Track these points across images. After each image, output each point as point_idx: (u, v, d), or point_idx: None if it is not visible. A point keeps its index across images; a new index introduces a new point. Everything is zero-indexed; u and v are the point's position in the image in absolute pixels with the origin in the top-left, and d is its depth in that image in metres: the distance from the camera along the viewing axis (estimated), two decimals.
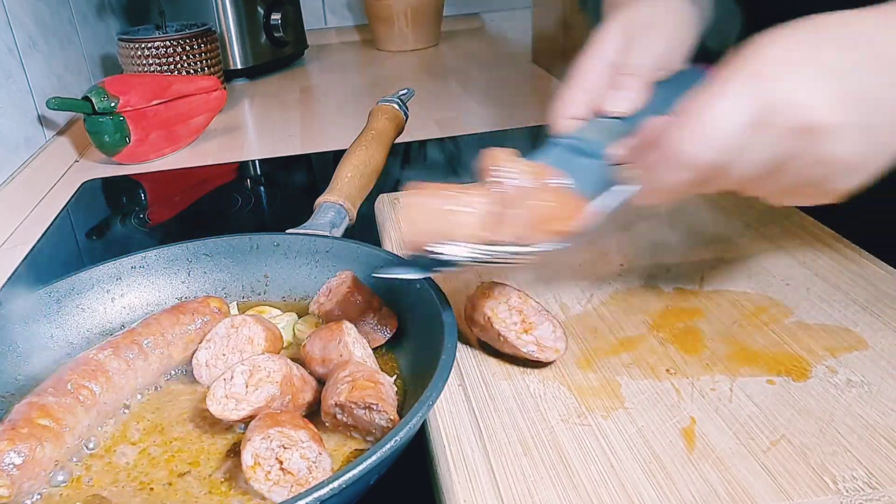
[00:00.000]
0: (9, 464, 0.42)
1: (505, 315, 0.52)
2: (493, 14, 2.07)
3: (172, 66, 1.30)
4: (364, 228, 0.73)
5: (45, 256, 0.85)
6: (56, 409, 0.46)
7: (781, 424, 0.45)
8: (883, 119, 0.40)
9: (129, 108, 1.07)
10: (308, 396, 0.49)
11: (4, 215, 0.94)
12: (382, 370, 0.53)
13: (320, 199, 0.71)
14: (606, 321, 0.57)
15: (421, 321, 0.52)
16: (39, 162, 1.09)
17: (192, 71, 1.32)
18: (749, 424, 0.45)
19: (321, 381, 0.50)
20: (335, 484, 0.36)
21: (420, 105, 1.23)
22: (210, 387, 0.47)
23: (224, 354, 0.52)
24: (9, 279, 0.78)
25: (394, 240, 0.71)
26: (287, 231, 0.65)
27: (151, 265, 0.61)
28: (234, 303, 0.62)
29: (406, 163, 1.09)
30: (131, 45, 1.29)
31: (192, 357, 0.53)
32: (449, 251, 0.45)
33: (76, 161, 1.17)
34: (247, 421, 0.46)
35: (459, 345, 0.52)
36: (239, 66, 1.57)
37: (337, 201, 0.70)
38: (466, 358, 0.53)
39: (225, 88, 1.22)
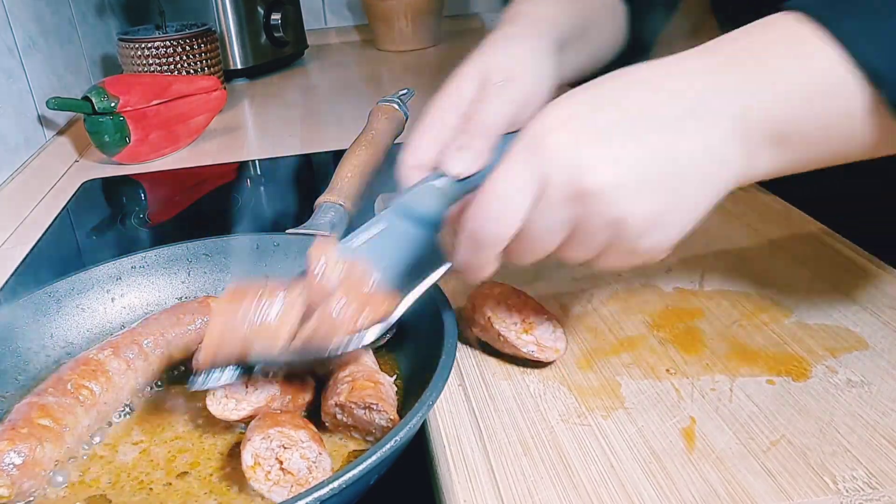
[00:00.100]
0: (9, 464, 0.42)
1: (505, 315, 0.52)
2: (494, 14, 2.07)
3: (172, 66, 1.30)
4: None
5: (45, 256, 0.85)
6: (56, 409, 0.46)
7: (781, 424, 0.45)
8: (663, 173, 0.40)
9: (129, 108, 1.07)
10: (308, 396, 0.49)
11: (4, 215, 0.94)
12: (382, 370, 0.53)
13: (320, 200, 0.71)
14: (606, 321, 0.57)
15: (421, 321, 0.52)
16: (39, 162, 1.09)
17: (192, 71, 1.32)
18: (749, 424, 0.45)
19: (321, 381, 0.50)
20: (335, 484, 0.36)
21: (420, 105, 1.22)
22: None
23: None
24: (9, 279, 0.78)
25: None
26: (287, 231, 0.65)
27: (151, 265, 0.61)
28: None
29: None
30: (131, 45, 1.29)
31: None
32: (256, 357, 0.45)
33: (76, 161, 1.17)
34: (247, 421, 0.46)
35: (459, 345, 0.52)
36: (239, 66, 1.57)
37: (337, 201, 0.70)
38: (466, 358, 0.53)
39: (225, 88, 1.22)
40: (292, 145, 1.18)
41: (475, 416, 0.47)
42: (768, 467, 0.42)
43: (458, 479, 0.42)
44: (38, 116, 1.13)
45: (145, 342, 0.53)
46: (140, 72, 1.30)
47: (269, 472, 0.41)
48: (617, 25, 0.75)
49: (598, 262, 0.44)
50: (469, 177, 0.52)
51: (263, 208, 0.99)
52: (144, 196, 1.05)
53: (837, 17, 0.40)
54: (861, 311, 0.55)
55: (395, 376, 0.52)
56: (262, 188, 1.07)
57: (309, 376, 0.50)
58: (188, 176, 1.09)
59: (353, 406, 0.44)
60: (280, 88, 1.55)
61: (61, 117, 1.20)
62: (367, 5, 1.78)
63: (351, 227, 0.70)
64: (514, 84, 0.55)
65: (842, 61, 0.39)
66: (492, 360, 0.53)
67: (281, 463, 0.41)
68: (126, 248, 0.64)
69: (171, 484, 0.44)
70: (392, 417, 0.44)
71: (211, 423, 0.48)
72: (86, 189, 1.05)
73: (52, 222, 0.94)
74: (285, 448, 0.41)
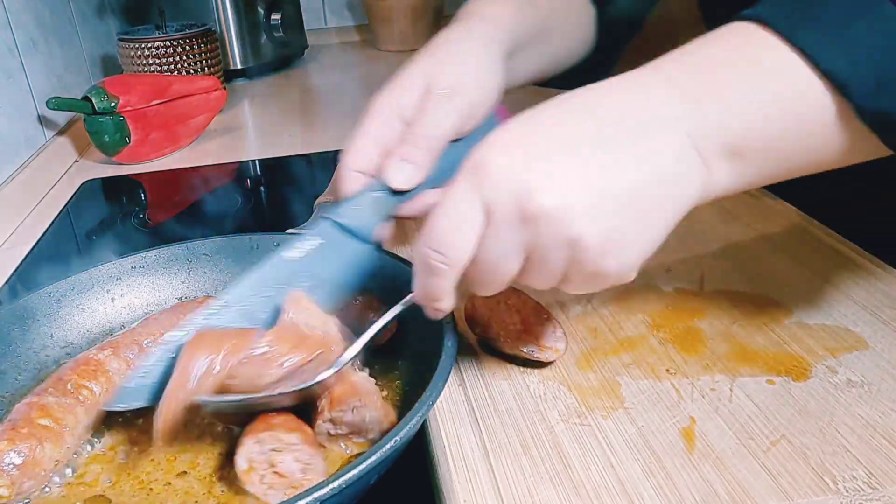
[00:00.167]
0: (9, 464, 0.42)
1: (505, 315, 0.52)
2: None
3: (172, 66, 1.30)
4: None
5: (45, 256, 0.85)
6: (56, 409, 0.46)
7: (781, 424, 0.45)
8: (614, 191, 0.38)
9: (129, 108, 1.07)
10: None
11: (4, 215, 0.94)
12: (382, 370, 0.53)
13: (320, 199, 0.71)
14: (606, 321, 0.57)
15: (421, 321, 0.52)
16: (39, 162, 1.09)
17: (192, 71, 1.32)
18: (749, 424, 0.45)
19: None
20: (335, 484, 0.36)
21: None
22: None
23: None
24: (9, 279, 0.78)
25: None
26: (287, 231, 0.65)
27: (151, 265, 0.61)
28: None
29: None
30: (131, 45, 1.29)
31: None
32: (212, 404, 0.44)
33: (76, 161, 1.17)
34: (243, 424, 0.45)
35: (459, 345, 0.52)
36: (239, 66, 1.57)
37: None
38: (466, 358, 0.53)
39: (225, 88, 1.22)
40: (292, 145, 1.18)
41: (475, 416, 0.47)
42: (768, 467, 0.42)
43: (458, 479, 0.42)
44: (38, 116, 1.13)
45: (145, 342, 0.53)
46: (140, 72, 1.30)
47: (264, 476, 0.41)
48: (583, 27, 0.73)
49: (565, 287, 0.42)
50: (410, 190, 0.52)
51: (263, 208, 0.99)
52: (144, 196, 1.05)
53: (797, 27, 0.39)
54: (861, 311, 0.55)
55: (395, 376, 0.52)
56: (261, 188, 1.07)
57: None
58: (188, 176, 1.09)
59: (339, 415, 0.44)
60: (280, 88, 1.55)
61: (61, 117, 1.20)
62: (367, 5, 1.78)
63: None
64: (459, 94, 0.54)
65: (804, 72, 0.38)
66: (492, 360, 0.53)
67: (274, 466, 0.41)
68: (126, 248, 0.63)
69: (170, 484, 0.44)
70: (378, 406, 0.44)
71: (210, 424, 0.48)
72: (86, 189, 1.05)
73: (52, 222, 0.94)
74: (277, 451, 0.41)
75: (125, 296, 0.60)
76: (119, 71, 1.38)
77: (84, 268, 0.59)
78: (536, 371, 0.51)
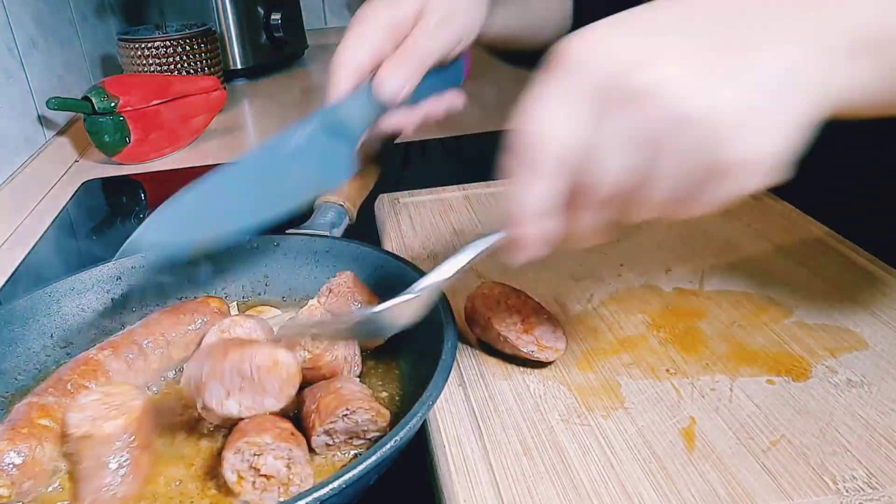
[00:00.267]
0: (9, 464, 0.42)
1: (505, 315, 0.52)
2: None
3: (172, 66, 1.30)
4: (364, 228, 0.73)
5: (45, 256, 0.85)
6: (56, 409, 0.46)
7: (781, 424, 0.45)
8: (734, 66, 0.33)
9: (129, 108, 1.07)
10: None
11: (4, 215, 0.94)
12: (382, 370, 0.53)
13: (320, 199, 0.71)
14: (606, 321, 0.57)
15: (421, 321, 0.52)
16: (39, 162, 1.09)
17: (192, 71, 1.32)
18: (749, 424, 0.45)
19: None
20: (335, 484, 0.36)
21: None
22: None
23: None
24: (9, 279, 0.78)
25: (393, 240, 0.71)
26: (287, 231, 0.65)
27: (152, 265, 0.61)
28: (234, 303, 0.62)
29: (406, 163, 1.09)
30: (131, 45, 1.29)
31: (191, 357, 0.53)
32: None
33: (76, 161, 1.17)
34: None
35: (459, 345, 0.52)
36: (239, 66, 1.57)
37: (337, 201, 0.70)
38: (466, 358, 0.53)
39: (225, 88, 1.22)
40: None
41: (475, 416, 0.47)
42: (768, 467, 0.42)
43: (458, 479, 0.42)
44: (38, 116, 1.13)
45: (145, 342, 0.53)
46: (140, 72, 1.30)
47: (254, 482, 0.41)
48: (563, 9, 0.76)
49: (682, 205, 0.36)
50: (394, 101, 0.55)
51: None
52: (144, 196, 1.05)
53: None
54: (861, 311, 0.55)
55: (395, 376, 0.52)
56: None
57: None
58: (188, 176, 1.08)
59: (332, 426, 0.44)
60: (280, 88, 1.55)
61: (61, 117, 1.20)
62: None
63: (351, 227, 0.70)
64: (453, 18, 0.57)
65: None
66: (492, 360, 0.53)
67: (259, 470, 0.41)
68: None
69: (168, 484, 0.44)
70: (370, 406, 0.44)
71: (208, 424, 0.48)
72: (86, 189, 1.05)
73: (52, 222, 0.94)
74: (257, 455, 0.41)
75: (125, 296, 0.60)
76: (119, 71, 1.38)
77: (84, 268, 0.59)
78: (536, 371, 0.51)
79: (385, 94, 0.55)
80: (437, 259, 0.67)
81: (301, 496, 0.35)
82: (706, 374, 0.50)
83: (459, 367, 0.52)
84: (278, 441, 0.41)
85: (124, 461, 0.43)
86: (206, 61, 1.34)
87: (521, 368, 0.52)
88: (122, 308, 0.60)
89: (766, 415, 0.46)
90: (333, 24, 1.97)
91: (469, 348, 0.54)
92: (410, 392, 0.50)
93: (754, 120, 0.33)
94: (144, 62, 1.29)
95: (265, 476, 0.41)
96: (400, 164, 1.07)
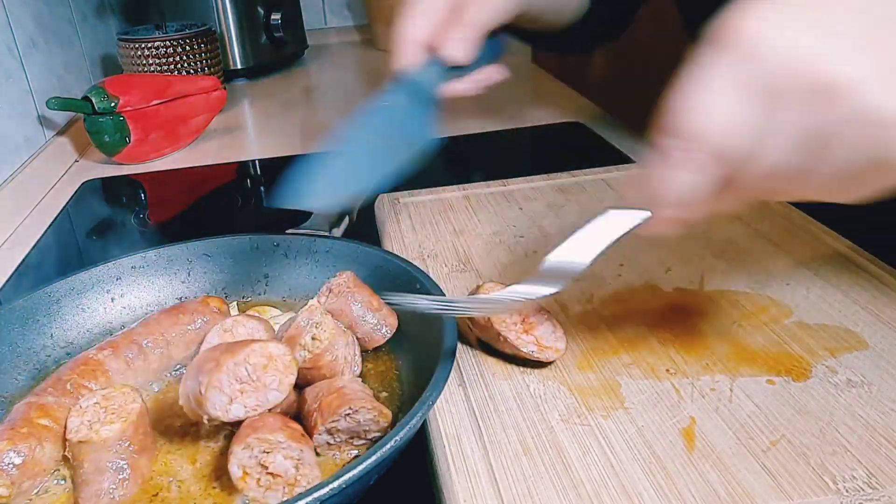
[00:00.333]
0: (9, 464, 0.42)
1: (505, 315, 0.52)
2: None
3: (172, 66, 1.30)
4: (364, 228, 0.73)
5: (45, 256, 0.85)
6: (56, 409, 0.46)
7: (781, 424, 0.45)
8: None
9: (129, 108, 1.07)
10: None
11: (4, 215, 0.94)
12: (382, 370, 0.53)
13: None
14: (606, 321, 0.57)
15: (421, 321, 0.52)
16: (39, 162, 1.09)
17: (192, 71, 1.32)
18: (749, 424, 0.45)
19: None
20: (335, 484, 0.36)
21: None
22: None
23: None
24: (9, 279, 0.78)
25: (393, 240, 0.71)
26: (287, 231, 0.65)
27: (151, 265, 0.61)
28: (234, 303, 0.62)
29: None
30: (131, 45, 1.29)
31: (191, 357, 0.53)
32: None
33: (76, 161, 1.17)
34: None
35: (459, 345, 0.52)
36: (239, 66, 1.57)
37: None
38: (466, 358, 0.53)
39: (225, 88, 1.22)
40: (292, 145, 1.18)
41: (475, 416, 0.47)
42: (768, 467, 0.42)
43: (458, 479, 0.42)
44: (38, 116, 1.13)
45: (145, 342, 0.53)
46: (140, 72, 1.30)
47: (259, 479, 0.41)
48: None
49: (850, 188, 0.35)
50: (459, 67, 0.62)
51: (263, 208, 0.99)
52: (144, 196, 1.05)
53: None
54: (861, 311, 0.55)
55: (395, 376, 0.52)
56: (261, 188, 1.07)
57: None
58: (188, 176, 1.09)
59: (334, 425, 0.44)
60: (280, 88, 1.55)
61: (61, 117, 1.20)
62: (367, 5, 1.78)
63: (351, 227, 0.70)
64: None
65: None
66: (492, 360, 0.53)
67: (266, 468, 0.41)
68: (126, 248, 0.63)
69: (169, 484, 0.44)
70: (370, 406, 0.44)
71: (209, 424, 0.48)
72: (86, 189, 1.05)
73: (52, 222, 0.94)
74: (267, 453, 0.41)
75: (125, 296, 0.60)
76: (119, 71, 1.38)
77: (84, 268, 0.59)
78: (536, 371, 0.51)
79: (454, 59, 0.61)
80: (437, 259, 0.67)
81: (301, 496, 0.35)
82: (706, 374, 0.50)
83: (459, 367, 0.52)
84: (290, 441, 0.41)
85: (123, 465, 0.43)
86: (206, 61, 1.34)
87: (521, 368, 0.52)
88: (122, 308, 0.60)
89: (766, 415, 0.46)
90: (333, 24, 1.97)
91: (469, 348, 0.54)
92: (410, 392, 0.50)
93: None
94: (144, 62, 1.29)
95: (271, 474, 0.41)
96: None
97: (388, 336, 0.55)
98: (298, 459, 0.41)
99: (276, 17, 1.57)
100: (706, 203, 0.37)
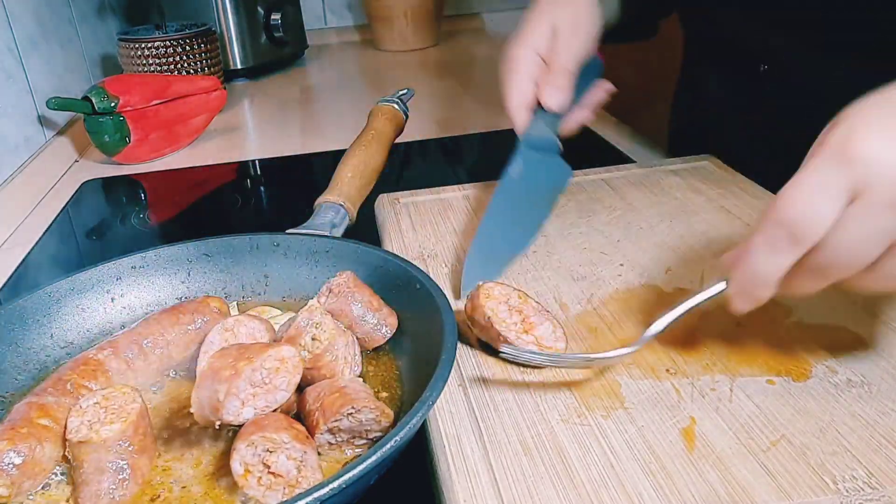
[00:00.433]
0: (9, 464, 0.42)
1: (505, 315, 0.52)
2: (493, 14, 2.07)
3: (172, 66, 1.30)
4: (364, 228, 0.73)
5: (45, 256, 0.85)
6: (56, 409, 0.46)
7: (781, 424, 0.45)
8: None
9: (129, 108, 1.07)
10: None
11: (4, 215, 0.94)
12: (382, 370, 0.53)
13: (320, 199, 0.71)
14: (606, 321, 0.57)
15: (421, 321, 0.52)
16: (39, 162, 1.09)
17: (192, 71, 1.32)
18: (749, 424, 0.45)
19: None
20: (335, 484, 0.36)
21: (420, 105, 1.23)
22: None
23: None
24: (9, 279, 0.78)
25: (393, 240, 0.71)
26: (287, 231, 0.65)
27: (151, 265, 0.61)
28: (234, 303, 0.62)
29: (406, 163, 1.09)
30: (131, 45, 1.29)
31: (191, 357, 0.53)
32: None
33: (76, 161, 1.17)
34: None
35: (459, 345, 0.52)
36: (239, 66, 1.57)
37: (337, 201, 0.70)
38: (466, 358, 0.53)
39: (225, 88, 1.22)
40: (292, 145, 1.18)
41: (475, 416, 0.47)
42: (768, 467, 0.42)
43: (458, 479, 0.42)
44: (38, 116, 1.13)
45: (145, 342, 0.53)
46: (140, 72, 1.30)
47: (261, 478, 0.41)
48: None
49: None
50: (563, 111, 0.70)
51: (263, 208, 0.99)
52: (144, 196, 1.05)
53: None
54: (861, 312, 0.55)
55: (395, 376, 0.52)
56: (261, 188, 1.07)
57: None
58: (188, 176, 1.09)
59: (336, 425, 0.44)
60: (280, 88, 1.55)
61: (61, 117, 1.20)
62: (367, 5, 1.78)
63: (351, 227, 0.70)
64: (581, 28, 0.70)
65: None
66: (492, 360, 0.53)
67: (269, 467, 0.41)
68: (126, 248, 0.63)
69: (170, 483, 0.44)
70: (374, 406, 0.44)
71: (208, 426, 0.48)
72: (86, 189, 1.05)
73: (52, 222, 0.94)
74: (270, 452, 0.41)
75: (125, 296, 0.60)
76: (119, 71, 1.38)
77: (84, 268, 0.59)
78: (536, 371, 0.51)
79: (554, 108, 0.69)
80: (437, 259, 0.67)
81: (301, 496, 0.35)
82: (706, 374, 0.50)
83: (459, 367, 0.52)
84: (295, 442, 0.42)
85: (123, 465, 0.43)
86: (206, 61, 1.34)
87: (521, 368, 0.52)
88: (122, 308, 0.60)
89: (766, 415, 0.46)
90: (333, 24, 1.98)
91: (469, 348, 0.54)
92: (410, 392, 0.50)
93: None
94: (144, 62, 1.29)
95: (273, 474, 0.41)
96: (400, 164, 1.07)
97: (388, 336, 0.55)
98: (301, 461, 0.41)
99: (276, 17, 1.58)
100: (782, 284, 0.44)
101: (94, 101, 1.05)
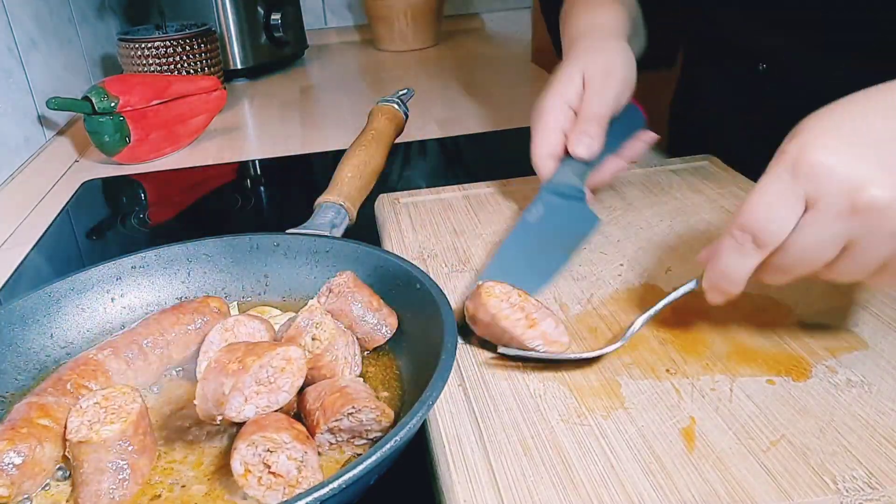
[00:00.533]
0: (9, 464, 0.42)
1: (509, 312, 0.52)
2: (493, 14, 2.07)
3: (172, 66, 1.30)
4: (364, 228, 0.73)
5: (45, 256, 0.85)
6: (56, 409, 0.46)
7: (781, 424, 0.45)
8: None
9: (129, 108, 1.07)
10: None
11: (4, 215, 0.94)
12: (382, 370, 0.53)
13: (320, 199, 0.71)
14: (606, 321, 0.57)
15: (421, 321, 0.52)
16: (39, 162, 1.09)
17: (192, 71, 1.32)
18: (749, 424, 0.45)
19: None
20: (335, 484, 0.36)
21: (420, 105, 1.23)
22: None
23: None
24: (9, 279, 0.78)
25: (393, 240, 0.71)
26: (287, 231, 0.65)
27: (151, 265, 0.61)
28: (234, 303, 0.62)
29: (406, 163, 1.09)
30: (131, 45, 1.29)
31: (191, 357, 0.53)
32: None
33: (76, 161, 1.17)
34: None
35: (459, 345, 0.52)
36: (239, 66, 1.57)
37: (337, 201, 0.70)
38: (466, 358, 0.53)
39: (225, 88, 1.22)
40: (292, 145, 1.18)
41: (475, 416, 0.47)
42: (768, 467, 0.42)
43: (458, 479, 0.42)
44: (38, 116, 1.13)
45: (145, 342, 0.53)
46: (140, 72, 1.30)
47: (261, 478, 0.41)
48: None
49: (874, 281, 0.45)
50: (592, 160, 0.67)
51: (263, 208, 0.99)
52: (144, 196, 1.05)
53: None
54: (861, 311, 0.55)
55: (395, 376, 0.52)
56: (261, 188, 1.07)
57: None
58: (188, 176, 1.09)
59: (336, 424, 0.44)
60: (280, 88, 1.55)
61: (61, 117, 1.20)
62: (367, 5, 1.78)
63: (351, 227, 0.70)
64: (612, 75, 0.68)
65: None
66: (492, 360, 0.53)
67: (269, 467, 0.41)
68: (126, 248, 0.63)
69: (171, 484, 0.44)
70: (374, 406, 0.44)
71: (209, 423, 0.48)
72: (86, 189, 1.05)
73: (52, 222, 0.94)
74: (271, 452, 0.41)
75: (125, 296, 0.60)
76: (119, 71, 1.38)
77: (84, 268, 0.59)
78: (536, 371, 0.51)
79: (583, 156, 0.67)
80: (437, 259, 0.67)
81: (301, 496, 0.35)
82: (706, 374, 0.50)
83: (459, 367, 0.52)
84: (295, 442, 0.42)
85: (123, 465, 0.43)
86: (206, 61, 1.34)
87: (522, 368, 0.52)
88: (122, 308, 0.60)
89: (766, 415, 0.46)
90: (333, 24, 1.97)
91: (469, 348, 0.54)
92: (410, 392, 0.50)
93: None
94: (144, 62, 1.29)
95: (273, 474, 0.41)
96: (400, 164, 1.07)
97: (388, 336, 0.55)
98: (301, 461, 0.41)
99: (276, 17, 1.58)
100: (745, 280, 0.47)
101: (94, 101, 1.05)
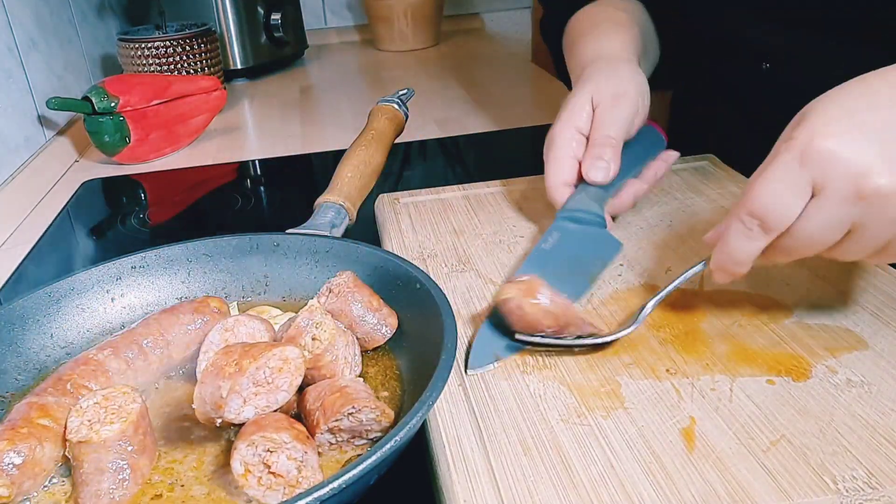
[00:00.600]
0: (9, 464, 0.42)
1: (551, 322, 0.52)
2: (493, 14, 2.07)
3: (172, 66, 1.30)
4: (364, 228, 0.73)
5: (45, 256, 0.85)
6: (56, 409, 0.46)
7: (781, 424, 0.45)
8: None
9: (129, 108, 1.07)
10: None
11: (4, 215, 0.94)
12: (382, 371, 0.53)
13: (320, 199, 0.71)
14: (606, 321, 0.57)
15: (421, 321, 0.52)
16: (39, 162, 1.09)
17: (192, 71, 1.32)
18: (749, 424, 0.45)
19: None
20: (335, 484, 0.36)
21: (420, 105, 1.23)
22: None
23: None
24: (9, 279, 0.78)
25: (393, 240, 0.71)
26: (287, 231, 0.65)
27: (151, 265, 0.61)
28: (234, 303, 0.62)
29: (406, 163, 1.09)
30: (131, 45, 1.29)
31: (191, 357, 0.53)
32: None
33: (76, 161, 1.17)
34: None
35: (459, 345, 0.52)
36: (239, 66, 1.57)
37: (337, 201, 0.70)
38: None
39: (225, 88, 1.22)
40: (292, 145, 1.18)
41: (475, 416, 0.47)
42: (768, 467, 0.42)
43: (458, 479, 0.42)
44: (38, 116, 1.13)
45: (145, 342, 0.53)
46: (140, 72, 1.30)
47: (261, 478, 0.41)
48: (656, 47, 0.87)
49: (873, 260, 0.47)
50: (608, 184, 0.66)
51: (263, 208, 0.99)
52: (144, 196, 1.05)
53: None
54: (861, 311, 0.55)
55: (395, 376, 0.52)
56: (261, 188, 1.07)
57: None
58: (188, 176, 1.09)
59: (336, 424, 0.44)
60: (280, 88, 1.55)
61: (61, 117, 1.20)
62: (367, 5, 1.78)
63: (351, 227, 0.70)
64: (621, 98, 0.67)
65: None
66: None
67: (269, 467, 0.41)
68: (126, 248, 0.63)
69: (171, 484, 0.44)
70: (374, 406, 0.44)
71: (219, 425, 0.48)
72: (86, 189, 1.05)
73: (52, 222, 0.94)
74: (271, 452, 0.41)
75: (125, 296, 0.60)
76: (119, 71, 1.38)
77: (84, 268, 0.59)
78: (536, 371, 0.51)
79: (598, 181, 0.65)
80: (437, 259, 0.67)
81: (301, 496, 0.35)
82: (706, 374, 0.50)
83: (459, 367, 0.52)
84: (295, 441, 0.42)
85: (123, 465, 0.43)
86: (206, 61, 1.34)
87: (521, 368, 0.52)
88: (122, 308, 0.60)
89: (766, 415, 0.46)
90: (333, 24, 1.98)
91: (469, 348, 0.54)
92: (410, 392, 0.50)
93: None
94: (144, 62, 1.29)
95: (273, 474, 0.41)
96: (400, 164, 1.07)
97: (388, 336, 0.55)
98: (301, 461, 0.41)
99: (276, 17, 1.58)
100: (751, 261, 0.49)
101: (94, 101, 1.05)
